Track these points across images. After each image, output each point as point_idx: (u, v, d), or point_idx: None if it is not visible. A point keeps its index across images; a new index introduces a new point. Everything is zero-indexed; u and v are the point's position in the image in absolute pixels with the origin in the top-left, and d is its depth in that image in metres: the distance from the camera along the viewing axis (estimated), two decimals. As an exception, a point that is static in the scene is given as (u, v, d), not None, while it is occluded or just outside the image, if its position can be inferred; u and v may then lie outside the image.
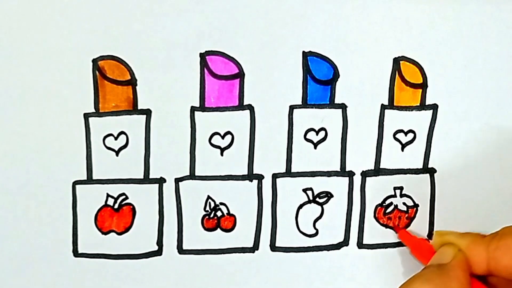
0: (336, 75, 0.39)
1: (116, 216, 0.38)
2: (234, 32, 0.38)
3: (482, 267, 0.30)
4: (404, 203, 0.40)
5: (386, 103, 0.39)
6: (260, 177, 0.39)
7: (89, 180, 0.38)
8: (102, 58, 0.37)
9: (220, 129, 0.39)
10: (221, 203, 0.39)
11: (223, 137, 0.39)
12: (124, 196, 0.38)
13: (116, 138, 0.38)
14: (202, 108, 0.38)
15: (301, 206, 0.40)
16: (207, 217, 0.39)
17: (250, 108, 0.39)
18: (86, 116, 0.38)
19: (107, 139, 0.38)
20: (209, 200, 0.39)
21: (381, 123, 0.39)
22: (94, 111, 0.38)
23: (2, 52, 0.37)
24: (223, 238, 0.39)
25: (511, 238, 0.29)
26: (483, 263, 0.30)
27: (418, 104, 0.40)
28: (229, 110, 0.39)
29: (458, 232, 0.33)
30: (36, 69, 0.37)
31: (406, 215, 0.40)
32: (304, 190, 0.39)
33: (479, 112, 0.40)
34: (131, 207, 0.39)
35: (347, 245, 0.40)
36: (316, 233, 0.40)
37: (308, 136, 0.39)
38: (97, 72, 0.37)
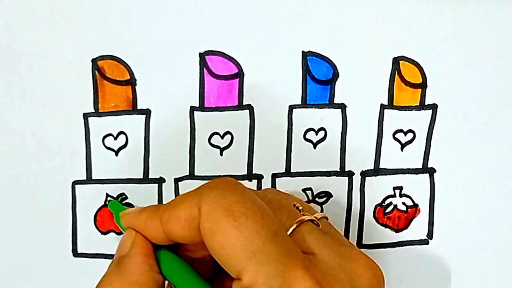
0: (335, 75, 0.39)
1: (116, 216, 0.38)
2: (233, 32, 0.38)
3: (163, 239, 0.30)
4: (403, 203, 0.40)
5: (385, 103, 0.39)
6: (259, 177, 0.39)
7: (89, 180, 0.38)
8: (102, 58, 0.37)
9: (220, 129, 0.39)
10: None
11: (222, 137, 0.39)
12: (123, 196, 0.39)
13: (115, 138, 0.38)
14: (202, 108, 0.38)
15: (300, 206, 0.40)
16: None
17: (250, 108, 0.39)
18: (86, 116, 0.38)
19: (106, 139, 0.38)
20: (209, 200, 0.39)
21: (381, 123, 0.39)
22: (93, 111, 0.38)
23: (2, 52, 0.37)
24: (223, 238, 0.39)
25: (178, 208, 0.29)
26: (161, 235, 0.30)
27: (418, 104, 0.40)
28: (228, 110, 0.39)
29: (138, 209, 0.32)
30: (36, 69, 0.37)
31: (406, 215, 0.40)
32: (304, 190, 0.39)
33: (479, 112, 0.40)
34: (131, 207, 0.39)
35: (346, 245, 0.40)
36: (316, 233, 0.40)
37: (307, 136, 0.39)
38: (96, 72, 0.37)
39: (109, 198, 0.38)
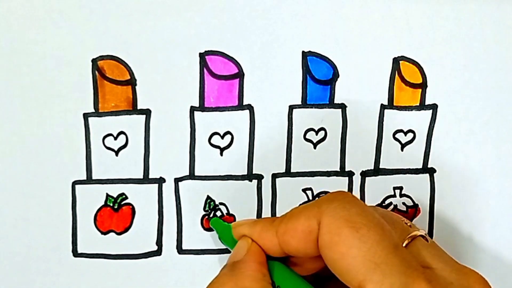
0: (335, 75, 0.39)
1: (116, 216, 0.38)
2: (233, 32, 0.38)
3: (277, 251, 0.31)
4: (403, 203, 0.40)
5: (385, 103, 0.39)
6: (259, 177, 0.39)
7: (89, 180, 0.38)
8: (102, 58, 0.37)
9: (220, 129, 0.39)
10: (221, 203, 0.39)
11: (222, 137, 0.39)
12: (123, 196, 0.39)
13: (115, 138, 0.38)
14: (202, 108, 0.38)
15: (300, 206, 0.40)
16: (206, 217, 0.39)
17: (250, 108, 0.39)
18: (86, 116, 0.38)
19: (106, 139, 0.38)
20: (209, 200, 0.39)
21: (381, 123, 0.39)
22: (93, 111, 0.38)
23: (2, 52, 0.37)
24: (223, 238, 0.39)
25: (296, 221, 0.29)
26: (276, 247, 0.31)
27: (418, 104, 0.40)
28: (228, 110, 0.39)
29: (251, 220, 0.33)
30: (36, 69, 0.37)
31: (406, 215, 0.40)
32: (304, 190, 0.39)
33: (479, 112, 0.40)
34: (131, 207, 0.39)
35: (346, 245, 0.40)
36: (316, 233, 0.40)
37: (307, 136, 0.39)
38: (96, 72, 0.37)
39: (211, 216, 0.39)
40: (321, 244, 0.28)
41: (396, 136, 0.40)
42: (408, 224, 0.32)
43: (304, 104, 0.39)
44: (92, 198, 0.38)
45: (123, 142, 0.38)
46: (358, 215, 0.28)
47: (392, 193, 0.40)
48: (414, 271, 0.26)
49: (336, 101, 0.39)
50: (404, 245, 0.29)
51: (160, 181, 0.39)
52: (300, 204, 0.39)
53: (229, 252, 0.39)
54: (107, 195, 0.38)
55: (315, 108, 0.39)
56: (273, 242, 0.31)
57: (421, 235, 0.30)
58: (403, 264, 0.26)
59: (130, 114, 0.38)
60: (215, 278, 0.30)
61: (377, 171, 0.40)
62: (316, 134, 0.39)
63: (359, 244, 0.27)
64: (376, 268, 0.26)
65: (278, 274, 0.31)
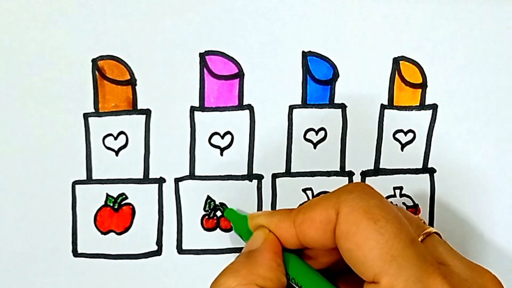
0: (335, 75, 0.39)
1: (116, 216, 0.38)
2: (233, 32, 0.38)
3: (294, 242, 0.31)
4: (403, 203, 0.40)
5: (385, 103, 0.39)
6: (259, 177, 0.39)
7: (89, 180, 0.38)
8: (102, 58, 0.37)
9: (220, 129, 0.39)
10: (221, 203, 0.39)
11: (222, 137, 0.39)
12: (123, 196, 0.39)
13: (115, 138, 0.38)
14: (202, 108, 0.38)
15: (300, 206, 0.40)
16: (206, 217, 0.39)
17: (250, 108, 0.39)
18: (86, 116, 0.38)
19: (106, 139, 0.38)
20: (209, 200, 0.39)
21: (381, 123, 0.39)
22: (93, 111, 0.38)
23: (2, 52, 0.37)
24: (223, 238, 0.39)
25: (314, 211, 0.30)
26: (293, 237, 0.31)
27: (418, 104, 0.40)
28: (228, 110, 0.39)
29: (268, 212, 0.33)
30: (36, 69, 0.37)
31: (406, 215, 0.40)
32: (304, 190, 0.39)
33: (479, 112, 0.40)
34: (131, 207, 0.39)
35: (346, 245, 0.40)
36: (316, 233, 0.40)
37: (307, 136, 0.39)
38: (96, 72, 0.37)
39: (222, 205, 0.39)
40: (338, 234, 0.28)
41: (396, 136, 0.40)
42: (422, 221, 0.32)
43: (304, 104, 0.39)
44: (92, 198, 0.38)
45: (123, 142, 0.38)
46: (376, 207, 0.28)
47: (392, 193, 0.40)
48: (430, 266, 0.27)
49: (336, 101, 0.39)
50: (420, 239, 0.29)
51: (160, 181, 0.39)
52: (300, 204, 0.39)
53: (230, 252, 0.39)
54: (107, 195, 0.38)
55: (315, 108, 0.39)
56: (290, 233, 0.31)
57: (436, 232, 0.31)
58: (419, 259, 0.27)
59: (130, 114, 0.38)
60: (229, 264, 0.30)
61: (377, 171, 0.40)
62: (316, 134, 0.39)
63: (377, 236, 0.27)
64: (393, 261, 0.26)
65: (293, 266, 0.31)
